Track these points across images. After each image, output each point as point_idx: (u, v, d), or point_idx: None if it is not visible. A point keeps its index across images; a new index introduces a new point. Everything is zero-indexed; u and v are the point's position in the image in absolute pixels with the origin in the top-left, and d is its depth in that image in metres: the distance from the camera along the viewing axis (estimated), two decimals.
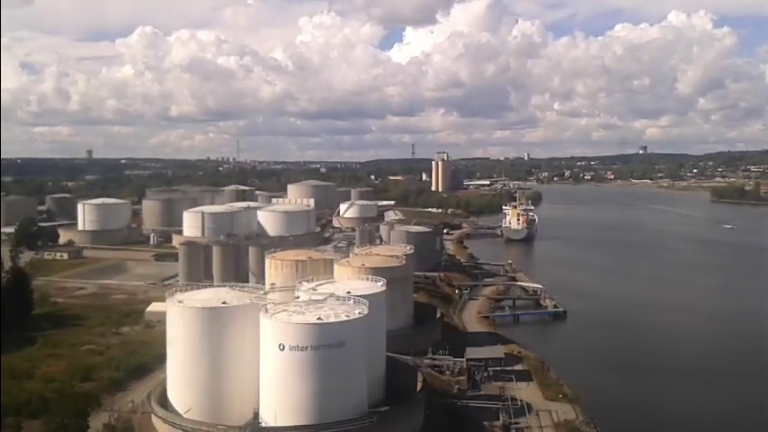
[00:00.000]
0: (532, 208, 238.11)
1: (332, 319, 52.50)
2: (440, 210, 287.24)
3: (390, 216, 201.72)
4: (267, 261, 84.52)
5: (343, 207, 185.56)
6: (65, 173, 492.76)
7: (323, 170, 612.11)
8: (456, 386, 72.95)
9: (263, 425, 51.31)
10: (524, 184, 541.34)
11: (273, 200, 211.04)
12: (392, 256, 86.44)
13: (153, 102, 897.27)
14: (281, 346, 51.15)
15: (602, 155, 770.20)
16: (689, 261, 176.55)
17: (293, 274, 79.83)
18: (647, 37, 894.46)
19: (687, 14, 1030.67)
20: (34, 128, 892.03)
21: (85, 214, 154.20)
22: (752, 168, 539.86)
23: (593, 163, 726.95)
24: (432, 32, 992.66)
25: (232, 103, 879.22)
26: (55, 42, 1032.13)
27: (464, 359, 76.58)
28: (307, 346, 50.85)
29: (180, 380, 56.83)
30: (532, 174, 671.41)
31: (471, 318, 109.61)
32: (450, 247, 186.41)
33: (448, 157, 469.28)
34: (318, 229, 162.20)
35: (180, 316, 56.56)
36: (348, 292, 61.45)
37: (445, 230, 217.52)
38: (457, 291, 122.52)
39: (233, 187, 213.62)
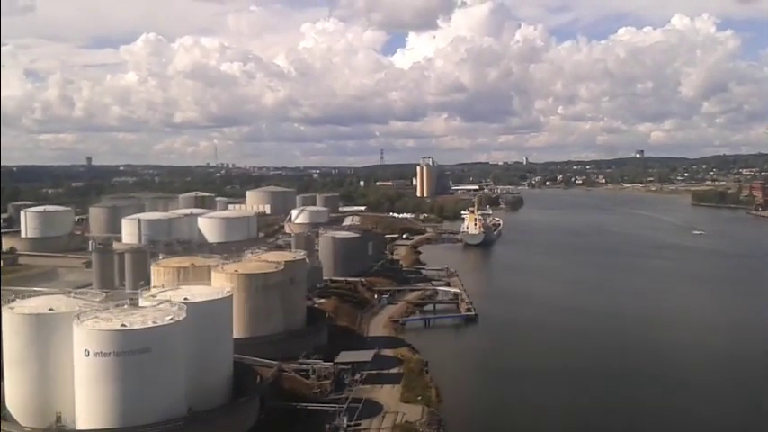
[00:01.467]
0: (490, 213, 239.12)
1: (137, 326, 54.41)
2: (411, 215, 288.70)
3: (347, 222, 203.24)
4: (152, 268, 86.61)
5: (294, 213, 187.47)
6: (60, 180, 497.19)
7: (315, 175, 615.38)
8: (318, 389, 75.02)
9: (63, 427, 53.30)
10: (514, 189, 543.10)
11: (230, 206, 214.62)
12: (274, 262, 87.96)
13: (157, 108, 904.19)
14: (87, 352, 53.19)
15: (600, 159, 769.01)
16: (640, 266, 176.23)
17: (175, 280, 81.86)
18: (650, 40, 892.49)
19: (690, 18, 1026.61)
20: (39, 135, 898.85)
21: (27, 221, 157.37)
22: (743, 171, 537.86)
23: (588, 167, 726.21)
24: (434, 37, 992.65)
25: (235, 109, 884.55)
26: (59, 49, 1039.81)
27: (332, 363, 78.50)
28: (110, 353, 52.82)
29: (11, 385, 58.80)
30: (527, 178, 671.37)
31: (382, 322, 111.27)
32: (402, 252, 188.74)
33: (433, 162, 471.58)
34: (261, 235, 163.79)
35: (9, 322, 58.53)
36: (185, 299, 63.51)
37: (404, 236, 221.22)
38: (376, 296, 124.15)
39: (192, 194, 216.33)
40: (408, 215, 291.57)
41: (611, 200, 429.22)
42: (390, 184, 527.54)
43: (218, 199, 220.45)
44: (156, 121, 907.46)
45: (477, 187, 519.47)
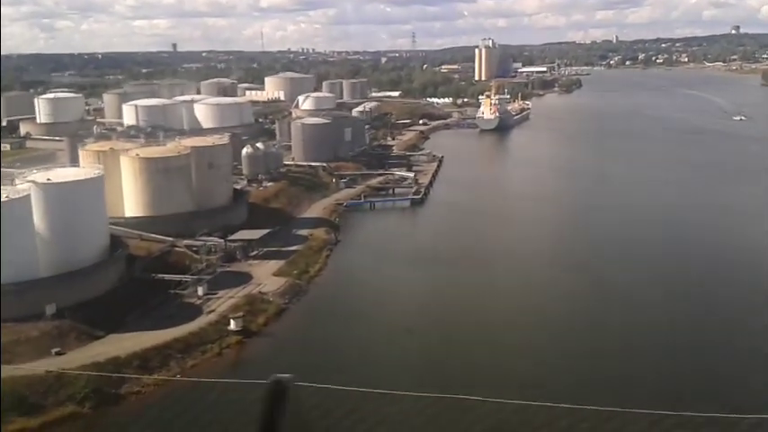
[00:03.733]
0: (508, 98, 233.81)
1: None
2: (446, 100, 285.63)
3: (360, 108, 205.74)
4: (79, 151, 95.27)
5: (300, 99, 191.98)
6: (139, 66, 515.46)
7: (383, 60, 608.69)
8: (205, 264, 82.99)
9: None
10: (586, 70, 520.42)
11: (247, 93, 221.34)
12: (186, 147, 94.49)
13: None
14: None
15: (690, 36, 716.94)
16: (649, 152, 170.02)
17: (95, 163, 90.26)
18: None
19: None
20: (134, 21, 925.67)
21: (40, 108, 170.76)
22: None
23: (677, 45, 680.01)
24: None
25: None
26: None
27: (222, 240, 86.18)
28: None
29: None
30: (607, 58, 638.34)
31: (325, 205, 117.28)
32: (406, 138, 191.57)
33: (494, 43, 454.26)
34: (254, 121, 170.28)
35: None
36: (48, 179, 71.75)
37: (421, 121, 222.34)
38: (334, 180, 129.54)
39: (214, 80, 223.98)
40: (438, 100, 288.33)
41: (680, 80, 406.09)
42: (457, 67, 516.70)
43: (240, 86, 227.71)
44: (244, 5, 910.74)
45: (545, 69, 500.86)
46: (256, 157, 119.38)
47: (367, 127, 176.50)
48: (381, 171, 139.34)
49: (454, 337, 65.01)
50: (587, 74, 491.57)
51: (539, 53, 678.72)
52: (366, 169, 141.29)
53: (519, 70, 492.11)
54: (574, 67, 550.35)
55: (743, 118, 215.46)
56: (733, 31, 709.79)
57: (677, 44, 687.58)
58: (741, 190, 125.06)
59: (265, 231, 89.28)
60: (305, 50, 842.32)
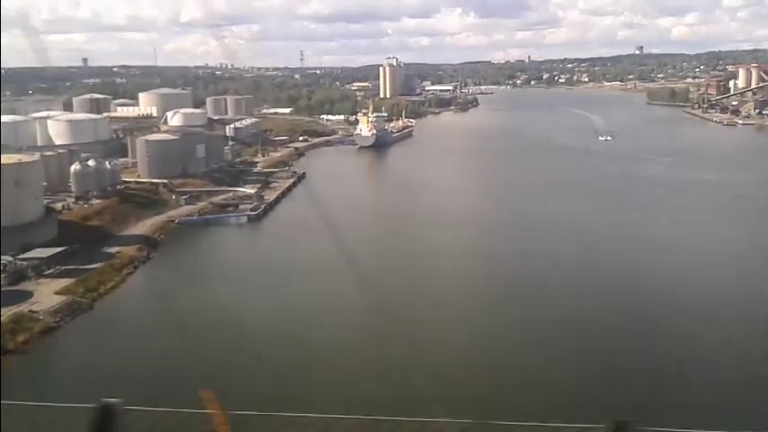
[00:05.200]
0: (385, 116, 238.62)
1: None
2: (340, 117, 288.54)
3: (234, 125, 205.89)
4: None
5: (169, 115, 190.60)
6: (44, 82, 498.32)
7: (296, 76, 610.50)
8: None
9: None
10: (489, 89, 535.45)
11: (119, 108, 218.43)
12: None
13: (163, 6, 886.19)
14: None
15: (596, 57, 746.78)
16: (504, 169, 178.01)
17: None
18: None
19: None
20: (49, 36, 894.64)
21: None
22: (729, 68, 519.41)
23: (582, 65, 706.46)
24: None
25: (242, 6, 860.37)
26: None
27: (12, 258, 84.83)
28: None
29: None
30: (515, 77, 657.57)
31: (156, 222, 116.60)
32: (278, 155, 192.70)
33: (398, 61, 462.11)
34: (113, 137, 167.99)
35: None
36: None
37: (301, 138, 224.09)
38: (174, 197, 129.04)
39: (87, 96, 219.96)
40: (342, 117, 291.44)
41: (574, 99, 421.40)
42: (367, 84, 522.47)
43: (114, 101, 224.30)
44: (164, 20, 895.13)
45: (451, 87, 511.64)
46: (86, 174, 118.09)
47: (232, 143, 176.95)
48: (228, 188, 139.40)
49: (224, 350, 65.42)
50: (491, 93, 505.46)
51: (452, 72, 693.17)
52: (217, 186, 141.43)
53: (427, 89, 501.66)
54: (481, 86, 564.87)
55: (608, 138, 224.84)
56: (637, 52, 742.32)
57: (583, 64, 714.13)
58: (554, 203, 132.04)
59: (58, 249, 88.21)
60: (223, 66, 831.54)
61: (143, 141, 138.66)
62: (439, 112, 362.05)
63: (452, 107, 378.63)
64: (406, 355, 62.25)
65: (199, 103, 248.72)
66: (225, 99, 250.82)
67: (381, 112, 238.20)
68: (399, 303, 78.09)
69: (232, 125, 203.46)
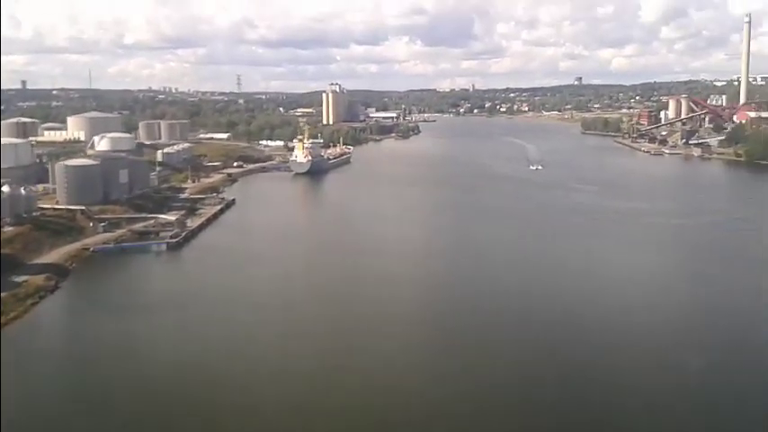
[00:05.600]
0: (321, 142, 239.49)
1: None
2: (279, 143, 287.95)
3: (168, 149, 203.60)
4: None
5: (96, 139, 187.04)
6: None
7: (240, 101, 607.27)
8: None
9: None
10: (430, 116, 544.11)
11: (47, 132, 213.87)
12: None
13: (107, 28, 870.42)
14: None
15: (537, 86, 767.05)
16: (434, 196, 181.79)
17: None
18: None
19: None
20: None
21: None
22: (663, 99, 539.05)
23: (524, 95, 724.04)
24: None
25: (188, 30, 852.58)
26: None
27: None
28: None
29: None
30: (459, 105, 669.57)
31: (70, 250, 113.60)
32: (208, 180, 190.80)
33: (341, 88, 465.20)
34: (36, 162, 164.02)
35: None
36: None
37: (235, 164, 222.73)
38: (92, 224, 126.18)
39: (14, 120, 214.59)
40: (281, 143, 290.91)
41: (513, 128, 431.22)
42: (311, 110, 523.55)
43: (43, 126, 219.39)
44: (108, 42, 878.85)
45: (395, 115, 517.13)
46: None
47: (159, 169, 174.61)
48: (149, 215, 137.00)
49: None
50: (433, 120, 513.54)
51: (398, 99, 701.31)
52: (138, 212, 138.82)
53: (371, 115, 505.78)
54: (425, 114, 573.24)
55: (539, 167, 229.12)
56: (576, 82, 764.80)
57: (524, 94, 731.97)
58: (477, 230, 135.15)
59: None
60: (166, 89, 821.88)
61: (62, 166, 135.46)
62: (380, 139, 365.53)
63: (394, 134, 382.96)
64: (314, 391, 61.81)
65: (132, 128, 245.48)
66: (158, 123, 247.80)
67: (317, 138, 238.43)
68: (323, 332, 77.95)
69: (163, 150, 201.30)
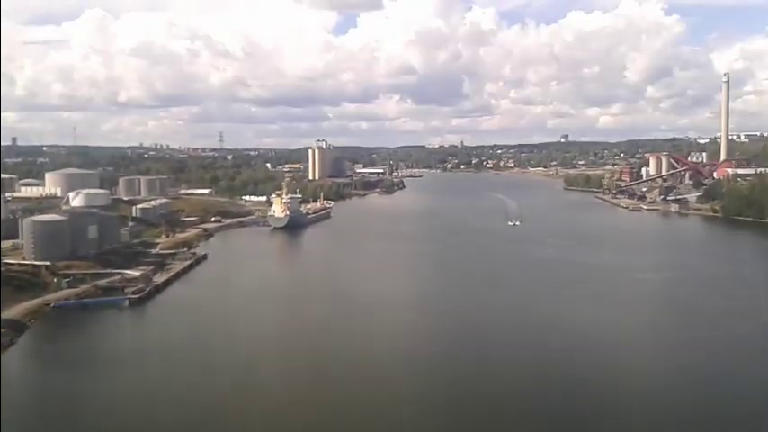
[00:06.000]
0: (299, 197, 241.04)
1: None
2: (261, 198, 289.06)
3: (144, 204, 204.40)
4: None
5: (71, 195, 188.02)
6: None
7: (229, 157, 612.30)
8: None
9: None
10: (417, 172, 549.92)
11: (23, 188, 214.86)
12: None
13: (101, 86, 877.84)
14: None
15: (523, 143, 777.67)
16: (409, 250, 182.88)
17: None
18: (597, 25, 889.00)
19: (639, 2, 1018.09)
20: None
21: None
22: (647, 156, 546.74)
23: (511, 151, 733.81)
24: (386, 18, 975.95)
25: (182, 88, 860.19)
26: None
27: None
28: None
29: None
30: (446, 161, 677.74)
31: (30, 306, 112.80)
32: (183, 235, 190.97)
33: (327, 144, 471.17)
34: (9, 218, 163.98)
35: None
36: None
37: (213, 219, 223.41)
38: (56, 279, 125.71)
39: None
40: (252, 198, 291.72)
41: (498, 184, 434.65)
42: (299, 166, 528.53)
43: (21, 182, 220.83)
44: (101, 99, 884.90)
45: (382, 170, 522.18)
46: None
47: (132, 224, 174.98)
48: (115, 270, 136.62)
49: None
50: (420, 176, 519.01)
51: (387, 155, 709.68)
52: (105, 268, 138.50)
53: (357, 171, 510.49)
54: (413, 169, 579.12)
55: (517, 223, 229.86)
56: (562, 140, 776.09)
57: (511, 150, 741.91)
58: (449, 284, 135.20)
59: None
60: (158, 146, 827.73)
61: (30, 222, 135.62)
62: (364, 194, 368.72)
63: (378, 189, 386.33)
64: None
65: (113, 184, 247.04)
66: (138, 179, 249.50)
67: (296, 194, 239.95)
68: (275, 389, 77.30)
69: (138, 206, 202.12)
